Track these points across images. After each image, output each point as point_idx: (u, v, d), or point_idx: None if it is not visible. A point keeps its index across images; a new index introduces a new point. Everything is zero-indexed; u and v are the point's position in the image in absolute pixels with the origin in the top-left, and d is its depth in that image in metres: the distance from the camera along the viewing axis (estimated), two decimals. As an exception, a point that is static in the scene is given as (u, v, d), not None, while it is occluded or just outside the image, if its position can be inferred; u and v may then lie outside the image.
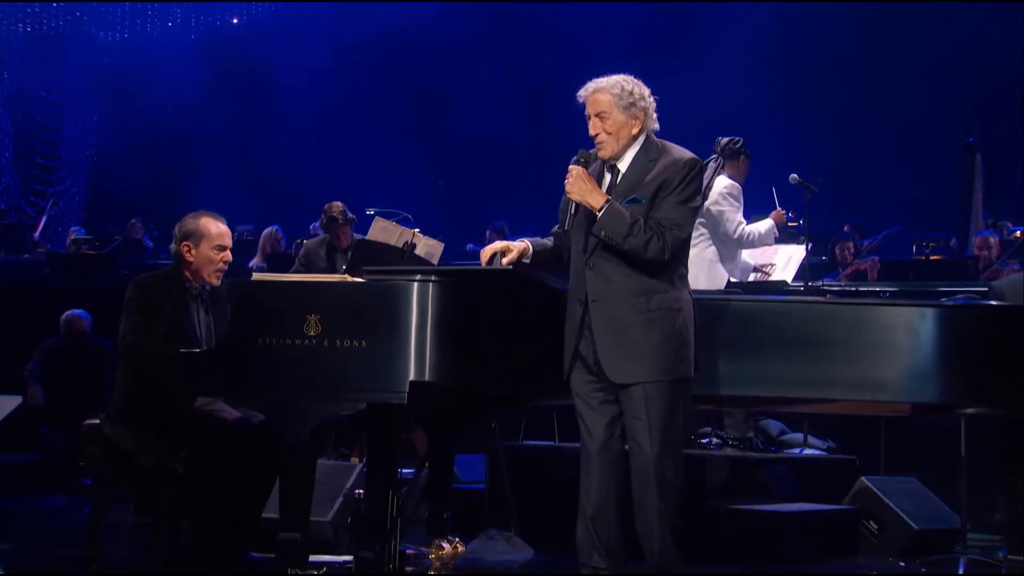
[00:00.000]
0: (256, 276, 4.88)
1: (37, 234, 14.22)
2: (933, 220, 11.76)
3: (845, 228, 11.86)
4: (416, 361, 4.22)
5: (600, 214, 4.24)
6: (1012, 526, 4.73)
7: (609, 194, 4.34)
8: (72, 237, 13.29)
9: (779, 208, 7.43)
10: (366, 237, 5.95)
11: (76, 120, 16.90)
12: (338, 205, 7.97)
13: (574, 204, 4.34)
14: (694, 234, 6.76)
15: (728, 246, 6.99)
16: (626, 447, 4.41)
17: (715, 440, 7.53)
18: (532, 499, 6.21)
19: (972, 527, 6.37)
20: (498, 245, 4.40)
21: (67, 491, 8.21)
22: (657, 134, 4.45)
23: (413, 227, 5.90)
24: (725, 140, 7.04)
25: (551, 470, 6.39)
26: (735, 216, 6.94)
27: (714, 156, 6.97)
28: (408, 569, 5.38)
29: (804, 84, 14.00)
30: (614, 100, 4.38)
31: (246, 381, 4.39)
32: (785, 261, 7.35)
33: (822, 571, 5.97)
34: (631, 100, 4.39)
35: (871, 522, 6.52)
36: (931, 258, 9.57)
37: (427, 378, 4.23)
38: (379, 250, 4.90)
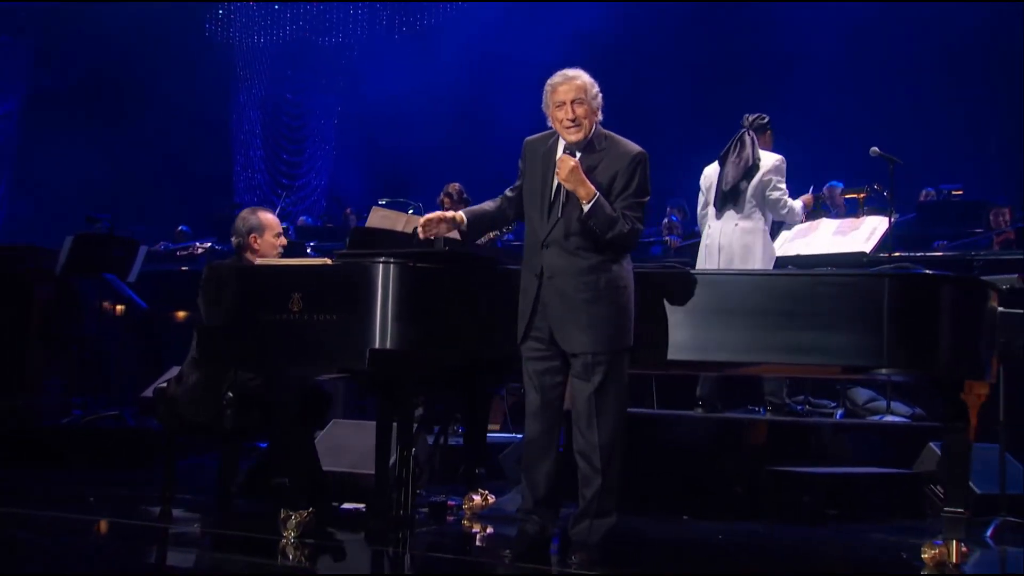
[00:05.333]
0: (259, 261, 5.54)
1: (271, 225, 15.40)
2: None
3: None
4: (380, 331, 4.83)
5: (589, 205, 4.69)
6: (948, 480, 4.85)
7: None
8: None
9: (811, 194, 7.55)
10: (364, 225, 6.50)
11: (318, 118, 18.19)
12: (455, 185, 8.62)
13: (561, 191, 4.76)
14: (750, 206, 7.08)
15: (770, 217, 7.19)
16: (567, 406, 4.89)
17: (806, 406, 7.75)
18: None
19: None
20: (421, 220, 4.93)
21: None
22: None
23: (422, 215, 6.39)
24: (753, 116, 7.22)
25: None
26: (782, 187, 7.13)
27: (745, 131, 7.17)
28: (449, 518, 6.03)
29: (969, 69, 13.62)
30: (588, 88, 4.83)
31: (246, 351, 5.15)
32: (869, 232, 7.44)
33: (842, 530, 6.12)
34: (595, 92, 4.86)
35: (938, 486, 6.59)
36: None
37: (388, 346, 4.83)
38: (379, 236, 5.44)
